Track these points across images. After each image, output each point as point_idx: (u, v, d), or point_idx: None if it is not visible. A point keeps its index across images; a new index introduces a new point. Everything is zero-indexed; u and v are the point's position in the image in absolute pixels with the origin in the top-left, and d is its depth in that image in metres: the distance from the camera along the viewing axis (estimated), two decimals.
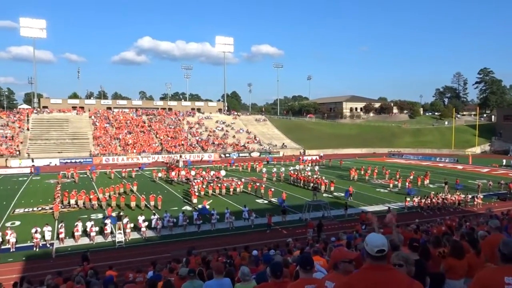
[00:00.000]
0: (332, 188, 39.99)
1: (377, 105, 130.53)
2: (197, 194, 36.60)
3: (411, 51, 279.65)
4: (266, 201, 35.97)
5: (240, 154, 79.25)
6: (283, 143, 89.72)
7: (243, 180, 43.38)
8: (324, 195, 38.14)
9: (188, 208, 33.21)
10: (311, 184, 40.79)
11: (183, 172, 48.37)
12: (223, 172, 49.25)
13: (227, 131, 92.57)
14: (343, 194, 37.75)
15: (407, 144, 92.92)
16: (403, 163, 68.22)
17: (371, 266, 3.33)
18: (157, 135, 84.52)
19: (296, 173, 47.84)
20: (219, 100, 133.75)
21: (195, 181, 42.91)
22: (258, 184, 41.26)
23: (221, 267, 6.54)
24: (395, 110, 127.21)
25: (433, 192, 35.53)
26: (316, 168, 57.34)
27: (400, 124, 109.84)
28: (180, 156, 65.54)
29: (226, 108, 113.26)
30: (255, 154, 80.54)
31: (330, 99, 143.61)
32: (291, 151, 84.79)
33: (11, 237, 23.26)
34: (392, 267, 3.47)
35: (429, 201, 32.72)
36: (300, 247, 13.30)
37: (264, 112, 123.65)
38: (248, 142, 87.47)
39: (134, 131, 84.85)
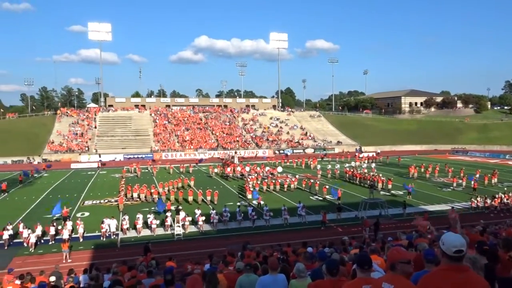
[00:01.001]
0: (389, 186, 38.64)
1: (439, 99, 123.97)
2: (251, 189, 37.02)
3: (478, 40, 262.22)
4: (320, 198, 35.57)
5: (294, 151, 78.96)
6: (338, 140, 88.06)
7: (297, 176, 43.13)
8: (381, 193, 36.97)
9: (244, 203, 33.66)
10: (368, 182, 39.67)
11: (238, 168, 49.10)
12: (279, 169, 49.32)
13: (281, 127, 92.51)
14: (401, 192, 36.37)
15: (472, 140, 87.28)
16: (468, 160, 64.28)
17: (448, 267, 3.19)
18: (213, 132, 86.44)
19: (352, 170, 46.76)
20: (273, 97, 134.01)
21: (250, 177, 43.41)
22: (312, 181, 40.87)
23: (276, 262, 6.52)
24: (459, 105, 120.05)
25: (500, 193, 33.14)
26: (373, 165, 55.69)
27: (463, 119, 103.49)
28: (235, 153, 66.57)
29: (280, 105, 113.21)
30: (309, 151, 79.83)
31: (388, 93, 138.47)
32: (346, 147, 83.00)
33: (80, 227, 24.96)
34: (469, 268, 3.30)
35: (497, 201, 30.56)
36: (356, 245, 12.97)
37: (319, 108, 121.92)
38: (302, 139, 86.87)
39: (191, 127, 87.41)
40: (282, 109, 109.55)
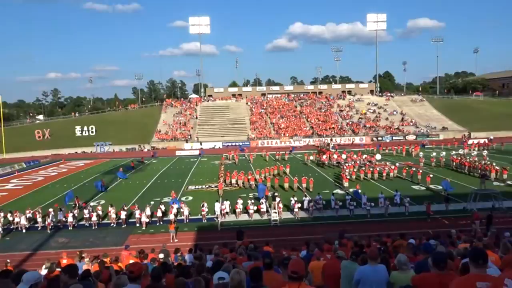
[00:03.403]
0: (504, 176, 34.74)
1: None
2: (348, 178, 36.24)
3: None
4: (423, 188, 33.47)
5: (394, 137, 75.11)
6: (443, 125, 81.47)
7: (397, 164, 41.06)
8: (495, 183, 33.42)
9: (339, 191, 33.18)
10: (479, 171, 36.17)
11: (334, 156, 48.32)
12: (378, 156, 47.47)
13: (379, 113, 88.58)
14: None
15: None
16: None
17: None
18: (308, 119, 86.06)
19: (459, 158, 42.98)
20: (370, 82, 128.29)
21: (346, 164, 42.47)
22: (414, 169, 38.58)
23: (376, 252, 6.30)
24: None
25: None
26: (485, 152, 50.46)
27: None
28: (331, 140, 65.45)
29: (378, 89, 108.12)
30: (411, 137, 75.22)
31: (503, 73, 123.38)
32: (452, 133, 76.36)
33: (185, 210, 26.93)
34: None
35: None
36: (466, 239, 11.95)
37: (421, 92, 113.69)
38: (402, 125, 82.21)
39: (286, 115, 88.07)
40: (380, 94, 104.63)
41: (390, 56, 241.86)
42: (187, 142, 75.98)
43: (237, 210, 27.20)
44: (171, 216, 25.93)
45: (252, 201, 28.27)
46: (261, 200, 27.77)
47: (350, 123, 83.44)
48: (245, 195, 32.06)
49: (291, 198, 28.11)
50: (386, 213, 26.46)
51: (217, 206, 26.94)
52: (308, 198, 28.15)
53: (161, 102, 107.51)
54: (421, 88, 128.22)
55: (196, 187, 37.91)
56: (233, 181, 37.43)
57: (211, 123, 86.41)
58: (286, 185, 34.63)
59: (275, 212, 25.91)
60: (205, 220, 26.50)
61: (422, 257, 6.50)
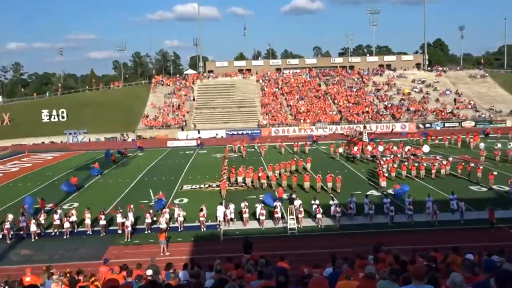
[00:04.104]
0: None
1: None
2: (386, 175, 36.07)
3: None
4: (485, 189, 33.19)
5: (446, 124, 74.39)
6: None
7: (450, 159, 40.72)
8: None
9: (374, 193, 33.06)
10: None
11: (368, 147, 48.11)
12: (425, 148, 47.13)
13: (427, 93, 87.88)
14: None
15: None
16: None
17: None
18: (335, 101, 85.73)
19: None
20: (416, 52, 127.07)
21: (384, 159, 42.26)
22: (472, 165, 38.25)
23: (423, 270, 6.22)
24: None
25: None
26: None
27: None
28: (365, 127, 65.01)
29: (427, 62, 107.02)
30: (469, 124, 74.50)
31: None
32: None
33: (180, 216, 27.07)
34: None
35: None
36: None
37: (483, 65, 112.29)
38: (457, 108, 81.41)
39: (308, 96, 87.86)
40: (429, 68, 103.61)
41: (443, 20, 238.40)
42: (182, 130, 76.45)
43: (244, 216, 27.26)
44: (162, 223, 26.09)
45: (263, 204, 28.30)
46: (275, 203, 27.77)
47: (390, 105, 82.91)
48: (254, 196, 32.10)
49: (313, 202, 28.11)
50: (435, 220, 26.30)
51: (220, 210, 27.02)
52: (335, 202, 28.09)
53: (149, 79, 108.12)
54: (483, 60, 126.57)
55: (193, 186, 38.06)
56: (240, 179, 37.46)
57: (212, 106, 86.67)
58: (306, 185, 34.59)
59: (293, 219, 25.91)
60: (204, 228, 26.60)
61: (483, 277, 6.40)
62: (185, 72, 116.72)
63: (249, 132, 72.69)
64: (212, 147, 62.01)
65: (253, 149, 57.20)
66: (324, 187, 34.57)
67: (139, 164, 50.46)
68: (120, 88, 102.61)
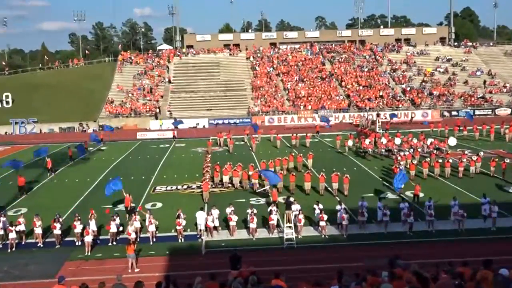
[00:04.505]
0: None
1: None
2: (400, 169, 35.99)
3: None
4: None
5: (477, 112, 74.81)
6: None
7: (481, 154, 40.89)
8: None
9: (390, 195, 33.18)
10: None
11: (382, 140, 48.18)
12: (452, 141, 47.27)
13: (454, 73, 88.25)
14: None
15: None
16: None
17: None
18: (343, 83, 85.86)
19: None
20: (440, 24, 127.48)
21: (402, 154, 42.35)
22: (508, 161, 38.46)
23: None
24: None
25: None
26: None
27: None
28: (378, 115, 65.30)
29: (453, 36, 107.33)
30: (504, 112, 74.98)
31: None
32: None
33: (152, 224, 26.92)
34: None
35: None
36: None
37: None
38: (490, 92, 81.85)
39: (309, 77, 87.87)
40: (456, 43, 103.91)
41: None
42: (156, 118, 76.28)
43: (231, 224, 27.17)
44: (131, 235, 25.96)
45: (255, 210, 28.19)
46: (271, 208, 27.76)
47: (408, 89, 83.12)
48: (243, 200, 32.17)
49: (315, 206, 28.12)
50: (462, 229, 26.43)
51: (200, 217, 26.92)
52: (342, 206, 28.07)
53: (114, 56, 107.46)
54: None
55: (169, 188, 38.03)
56: (226, 178, 37.38)
57: (192, 89, 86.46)
58: (307, 186, 34.60)
59: (290, 227, 25.86)
60: (182, 239, 26.56)
61: None
62: (158, 48, 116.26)
63: (237, 121, 72.63)
64: (192, 139, 61.92)
65: (242, 142, 57.14)
66: (329, 188, 34.61)
67: (101, 160, 50.29)
68: (78, 67, 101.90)
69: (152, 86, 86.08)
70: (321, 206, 27.82)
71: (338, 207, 28.16)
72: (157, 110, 78.79)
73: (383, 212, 27.25)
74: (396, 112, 72.68)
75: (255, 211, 27.64)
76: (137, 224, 26.92)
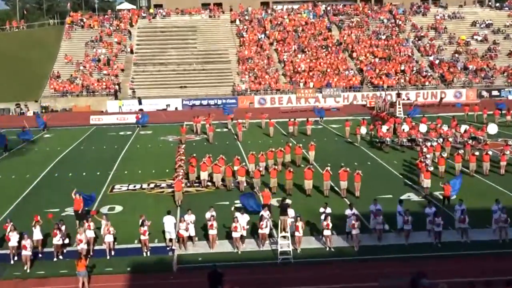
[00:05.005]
0: None
1: None
2: (431, 169, 35.93)
3: None
4: None
5: None
6: None
7: None
8: None
9: (413, 197, 33.27)
10: None
11: (404, 127, 48.16)
12: (492, 129, 47.37)
13: (495, 42, 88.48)
14: None
15: None
16: None
17: None
18: (354, 54, 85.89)
19: None
20: None
21: (428, 144, 42.35)
22: None
23: None
24: None
25: None
26: None
27: None
28: (399, 96, 65.33)
29: None
30: None
31: None
32: None
33: (108, 233, 26.74)
34: None
35: None
36: None
37: None
38: None
39: (310, 46, 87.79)
40: (497, 4, 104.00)
41: None
42: (116, 98, 76.08)
43: (210, 233, 27.03)
44: (81, 244, 25.84)
45: (242, 213, 28.06)
46: (262, 213, 27.66)
47: (437, 62, 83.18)
48: (226, 203, 32.14)
49: (322, 209, 27.86)
50: (505, 239, 26.50)
51: (169, 223, 26.72)
52: (353, 211, 27.99)
53: (61, 18, 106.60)
54: None
55: (131, 187, 37.88)
56: (204, 175, 37.32)
57: (161, 61, 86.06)
58: (308, 185, 34.52)
59: (286, 237, 25.79)
60: (148, 252, 26.34)
61: None
62: (118, 8, 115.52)
63: (222, 102, 72.50)
64: (160, 125, 61.85)
65: (225, 129, 57.01)
66: (336, 188, 34.67)
67: (45, 151, 50.05)
68: (14, 31, 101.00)
69: (109, 57, 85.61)
70: (329, 210, 27.63)
71: (347, 211, 27.94)
72: (116, 88, 78.41)
73: (404, 218, 27.20)
74: (420, 92, 72.87)
75: (239, 216, 27.52)
76: (90, 234, 26.76)
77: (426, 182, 34.38)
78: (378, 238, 27.15)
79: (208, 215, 27.40)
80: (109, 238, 26.66)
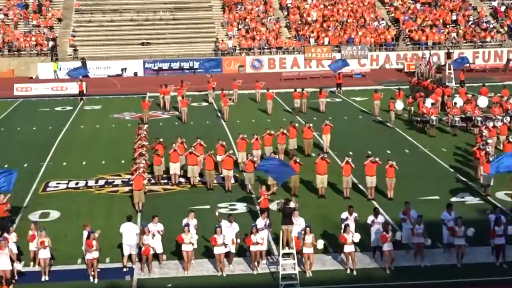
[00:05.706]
0: None
1: None
2: (492, 159, 36.14)
3: None
4: None
5: None
6: None
7: None
8: None
9: (468, 199, 33.37)
10: None
11: (456, 101, 48.27)
12: None
13: None
14: None
15: None
16: None
17: None
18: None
19: None
20: None
21: (489, 124, 42.55)
22: None
23: None
24: None
25: None
26: None
27: None
28: (448, 56, 65.44)
29: None
30: None
31: None
32: None
33: (43, 248, 26.62)
34: None
35: None
36: None
37: None
38: None
39: None
40: None
41: None
42: (52, 60, 75.99)
43: (185, 249, 27.05)
44: (3, 266, 25.77)
45: (231, 222, 28.00)
46: (257, 222, 27.57)
47: (503, 9, 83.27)
48: (207, 207, 32.24)
49: (345, 215, 27.85)
50: None
51: (129, 233, 26.77)
52: (382, 219, 28.03)
53: None
54: None
55: (72, 184, 37.95)
56: (174, 168, 37.52)
57: (114, 7, 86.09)
58: (321, 181, 34.68)
59: (289, 255, 25.85)
60: (95, 277, 26.40)
61: None
62: None
63: (200, 64, 72.64)
64: (113, 97, 62.03)
65: (205, 103, 57.12)
66: (360, 186, 34.81)
67: None
68: None
69: (41, 1, 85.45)
70: (355, 215, 27.56)
71: (376, 219, 28.18)
72: (51, 45, 78.33)
73: (456, 229, 27.28)
74: (479, 51, 73.14)
75: (224, 226, 27.35)
76: (15, 249, 26.74)
77: (487, 178, 34.60)
78: (418, 255, 27.29)
79: (184, 221, 27.31)
80: (44, 255, 26.37)
